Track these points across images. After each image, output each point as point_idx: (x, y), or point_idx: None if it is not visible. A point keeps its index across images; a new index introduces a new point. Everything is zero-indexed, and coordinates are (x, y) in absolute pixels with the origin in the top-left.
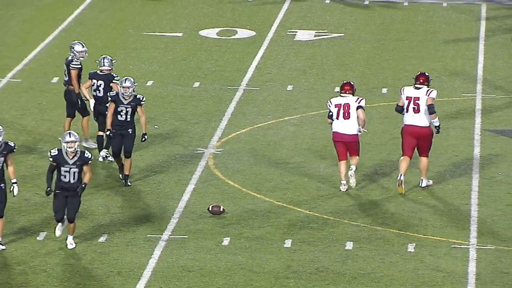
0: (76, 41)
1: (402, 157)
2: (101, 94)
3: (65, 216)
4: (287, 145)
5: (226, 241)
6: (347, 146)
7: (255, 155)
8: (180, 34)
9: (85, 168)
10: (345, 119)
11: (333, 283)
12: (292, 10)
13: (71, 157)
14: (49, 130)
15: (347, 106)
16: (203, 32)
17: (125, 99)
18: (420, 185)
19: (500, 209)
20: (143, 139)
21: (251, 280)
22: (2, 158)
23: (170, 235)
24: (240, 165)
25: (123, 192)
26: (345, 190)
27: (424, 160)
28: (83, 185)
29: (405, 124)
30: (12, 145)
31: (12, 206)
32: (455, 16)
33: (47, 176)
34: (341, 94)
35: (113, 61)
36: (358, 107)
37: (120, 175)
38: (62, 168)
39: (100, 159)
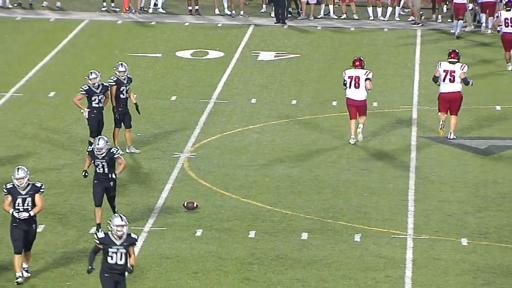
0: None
1: (439, 113)
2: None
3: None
4: (251, 150)
5: (199, 232)
6: (357, 108)
7: (224, 159)
8: (159, 55)
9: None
10: (355, 88)
11: (291, 268)
12: (256, 34)
13: (117, 240)
14: (47, 137)
15: (357, 78)
16: (179, 53)
17: (100, 155)
18: (448, 137)
19: (433, 204)
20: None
21: (220, 265)
22: (30, 199)
23: (150, 227)
24: (210, 167)
25: None
26: (353, 142)
27: (454, 118)
28: (130, 268)
29: (441, 92)
30: (39, 185)
31: None
32: (394, 39)
33: (90, 257)
34: (354, 68)
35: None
36: (366, 79)
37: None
38: (110, 250)
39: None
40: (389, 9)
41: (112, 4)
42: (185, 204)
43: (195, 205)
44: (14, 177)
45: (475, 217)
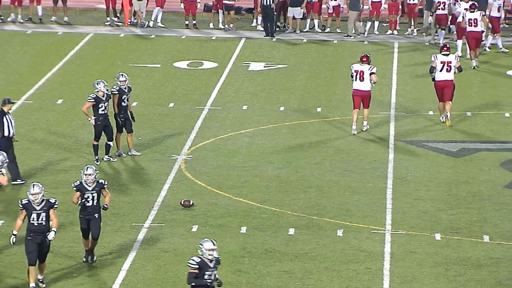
0: (120, 73)
1: (440, 103)
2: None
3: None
4: (243, 152)
5: (194, 228)
6: (362, 98)
7: (218, 160)
8: (158, 65)
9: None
10: (360, 81)
11: (279, 260)
12: (247, 47)
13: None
14: (55, 141)
15: (362, 72)
16: (176, 64)
17: (89, 185)
18: (442, 120)
19: (409, 202)
20: (104, 207)
21: None
22: (44, 214)
23: (150, 223)
24: (205, 168)
25: (114, 190)
26: (355, 133)
27: (448, 104)
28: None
29: (437, 80)
30: (53, 201)
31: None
32: (374, 51)
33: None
34: (360, 63)
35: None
36: (371, 73)
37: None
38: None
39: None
40: (368, 24)
41: (115, 19)
42: (182, 202)
43: (191, 203)
44: (29, 192)
45: (447, 214)
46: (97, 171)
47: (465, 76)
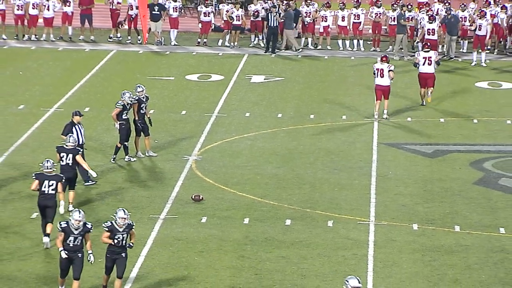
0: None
1: (421, 89)
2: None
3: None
4: (246, 153)
5: (204, 220)
6: (383, 92)
7: (224, 161)
8: (172, 78)
9: None
10: (381, 77)
11: (277, 247)
12: (249, 62)
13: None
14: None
15: (382, 70)
16: (188, 76)
17: (120, 227)
18: (423, 104)
19: (391, 197)
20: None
21: (221, 246)
22: (81, 237)
23: (165, 215)
24: (213, 167)
25: (134, 186)
26: (377, 120)
27: (431, 88)
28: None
29: (420, 72)
30: (89, 226)
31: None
32: (359, 65)
33: None
34: (381, 62)
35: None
36: (389, 70)
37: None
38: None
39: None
40: (355, 42)
41: (133, 37)
42: (193, 197)
43: (201, 198)
44: (72, 217)
45: (423, 207)
46: (130, 214)
47: (439, 87)
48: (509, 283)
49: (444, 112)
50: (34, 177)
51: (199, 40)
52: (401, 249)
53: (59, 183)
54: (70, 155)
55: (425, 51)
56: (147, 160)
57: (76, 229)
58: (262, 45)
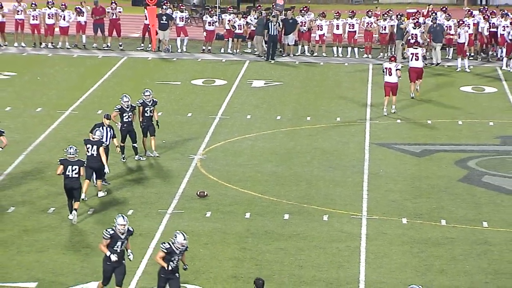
0: (145, 89)
1: (411, 83)
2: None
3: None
4: (247, 153)
5: (208, 214)
6: (391, 89)
7: (227, 159)
8: (179, 83)
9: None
10: (389, 75)
11: (276, 240)
12: (250, 68)
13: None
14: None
15: (390, 69)
16: (193, 81)
17: (177, 250)
18: (412, 96)
19: (381, 193)
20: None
21: (224, 238)
22: (126, 241)
23: (172, 210)
24: (217, 166)
25: (143, 183)
26: (386, 114)
27: (419, 80)
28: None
29: (410, 67)
30: (132, 230)
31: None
32: (353, 71)
33: None
34: (389, 62)
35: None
36: (397, 69)
37: None
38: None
39: (136, 157)
40: (349, 49)
41: (144, 45)
42: (198, 193)
43: (205, 194)
44: (117, 223)
45: (412, 203)
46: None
47: (426, 91)
48: (491, 272)
49: (431, 115)
50: (59, 163)
51: (204, 47)
52: (391, 241)
53: (81, 168)
54: (95, 147)
55: (413, 48)
56: (155, 159)
57: (122, 234)
58: (256, 51)
